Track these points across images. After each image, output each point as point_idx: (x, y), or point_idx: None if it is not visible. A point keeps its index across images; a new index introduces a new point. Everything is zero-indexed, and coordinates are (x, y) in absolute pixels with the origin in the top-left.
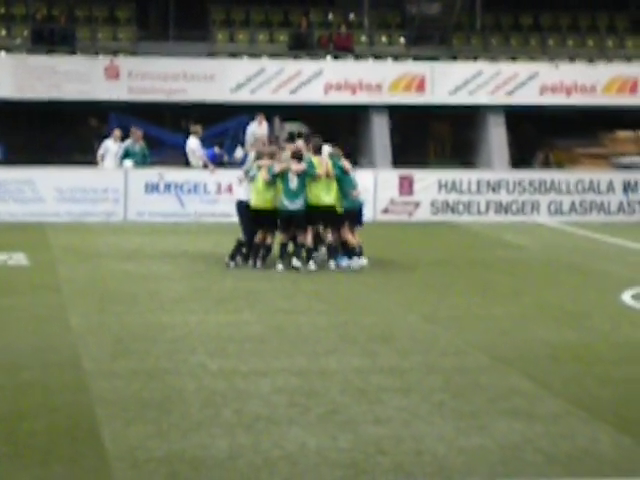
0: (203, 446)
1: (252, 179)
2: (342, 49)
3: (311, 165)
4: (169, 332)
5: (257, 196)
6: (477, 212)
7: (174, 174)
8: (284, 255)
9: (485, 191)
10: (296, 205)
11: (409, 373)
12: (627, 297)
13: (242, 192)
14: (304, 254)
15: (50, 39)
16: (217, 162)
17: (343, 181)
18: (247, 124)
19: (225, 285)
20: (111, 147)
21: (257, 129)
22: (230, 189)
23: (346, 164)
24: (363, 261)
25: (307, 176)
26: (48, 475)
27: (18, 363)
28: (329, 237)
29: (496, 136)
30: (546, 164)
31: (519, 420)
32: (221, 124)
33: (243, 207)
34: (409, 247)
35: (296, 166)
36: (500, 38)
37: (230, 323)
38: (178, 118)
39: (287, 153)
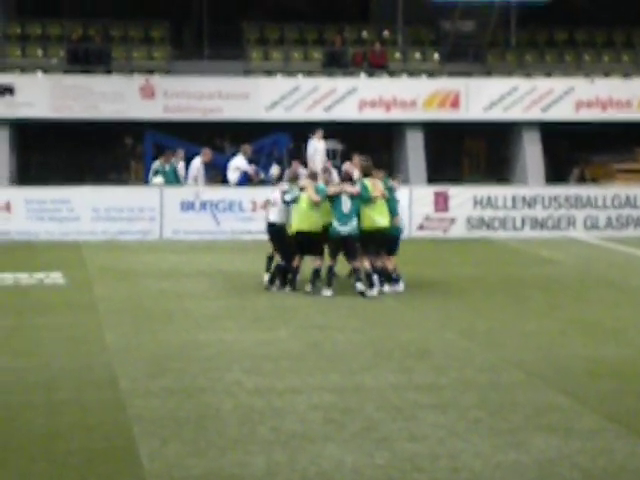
0: (240, 464)
1: (293, 201)
2: (376, 66)
3: (365, 188)
4: (205, 350)
5: (301, 218)
6: (513, 228)
7: (210, 192)
8: (316, 279)
9: (521, 207)
10: (349, 228)
11: (445, 390)
12: None
13: (274, 214)
14: (364, 278)
15: (86, 59)
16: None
17: (390, 204)
18: (283, 141)
19: (260, 303)
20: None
21: (318, 144)
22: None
23: (394, 183)
24: (401, 286)
25: (361, 200)
26: None
27: (54, 382)
28: (380, 262)
29: (531, 152)
30: (582, 180)
31: (556, 436)
32: (257, 142)
33: (276, 230)
34: (444, 264)
35: (351, 188)
36: (535, 54)
37: (265, 341)
38: (213, 136)
39: (334, 175)
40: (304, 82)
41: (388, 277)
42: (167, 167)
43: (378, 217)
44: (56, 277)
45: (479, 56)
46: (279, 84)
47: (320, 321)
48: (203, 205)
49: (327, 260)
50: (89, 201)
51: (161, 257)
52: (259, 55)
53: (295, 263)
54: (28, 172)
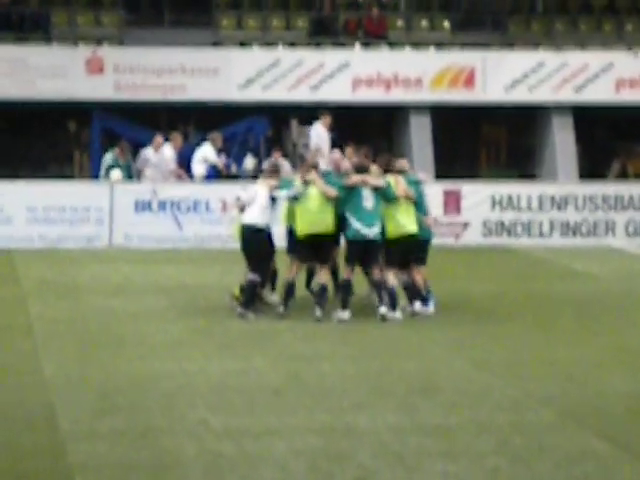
0: None
1: (296, 198)
2: (374, 36)
3: (389, 185)
4: (163, 383)
5: (311, 218)
6: (539, 234)
7: (170, 190)
8: (323, 298)
9: (549, 209)
10: (374, 231)
11: (456, 432)
12: None
13: (253, 215)
14: (386, 296)
15: (19, 25)
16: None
17: (419, 202)
18: (260, 128)
19: (231, 325)
20: (152, 158)
21: (323, 132)
22: None
23: (422, 175)
24: (431, 307)
25: (384, 198)
26: None
27: None
28: (407, 276)
29: (562, 142)
30: (623, 175)
31: None
32: (228, 128)
33: (255, 235)
34: (455, 277)
35: (374, 180)
36: (566, 22)
37: (237, 371)
38: (176, 121)
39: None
40: (286, 55)
41: (418, 294)
42: (121, 161)
43: (405, 220)
44: None
45: (499, 24)
46: (255, 58)
47: (304, 349)
48: (162, 205)
49: (324, 273)
50: (23, 199)
51: (111, 268)
52: (231, 22)
53: (292, 274)
54: None
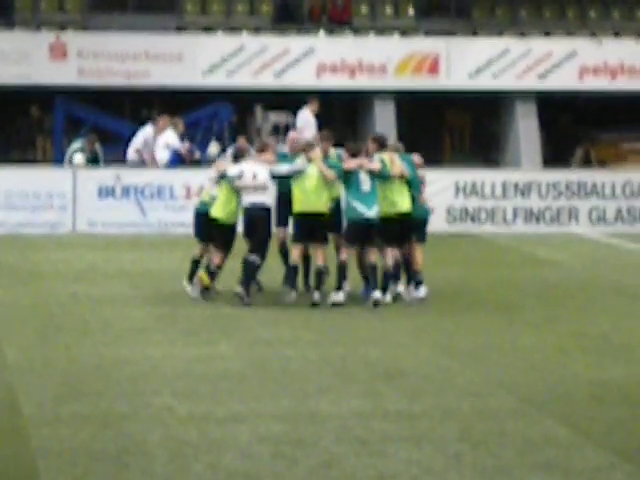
0: None
1: (300, 172)
2: (338, 22)
3: (384, 164)
4: (127, 369)
5: (307, 197)
6: (503, 221)
7: (134, 175)
8: (322, 281)
9: (512, 196)
10: (374, 212)
11: (420, 419)
12: None
13: (259, 193)
14: (380, 279)
15: None
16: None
17: (413, 182)
18: (224, 113)
19: (196, 311)
20: (158, 141)
21: (310, 117)
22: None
23: (416, 158)
24: (422, 292)
25: (379, 178)
26: None
27: None
28: (391, 256)
29: (526, 129)
30: (587, 162)
31: (554, 475)
32: (192, 113)
33: (264, 213)
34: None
35: (370, 164)
36: (530, 9)
37: (202, 357)
38: (139, 106)
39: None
40: (250, 41)
41: (413, 276)
42: (87, 153)
43: (399, 199)
44: None
45: (463, 11)
46: (220, 43)
47: (269, 334)
48: (126, 191)
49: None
50: None
51: (74, 254)
52: (195, 7)
53: (296, 256)
54: None
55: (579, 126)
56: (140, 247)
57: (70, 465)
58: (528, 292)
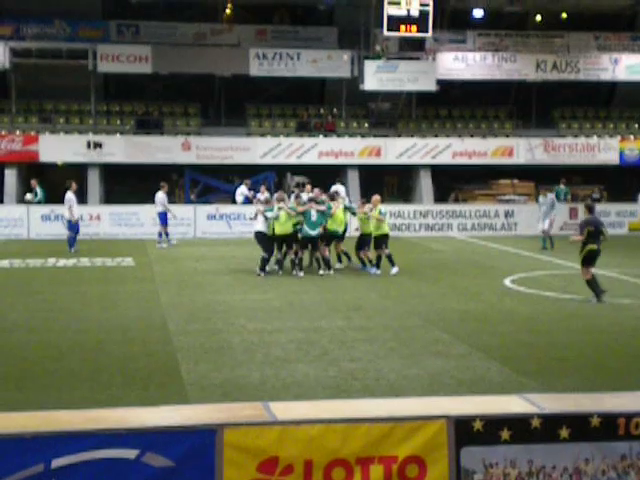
0: (244, 376)
1: (276, 217)
2: (329, 131)
3: (329, 207)
4: (222, 306)
5: (281, 226)
6: (414, 230)
7: (226, 208)
8: (297, 263)
9: (419, 217)
10: (315, 232)
11: (372, 330)
12: (507, 282)
13: (259, 225)
14: (323, 263)
15: (147, 125)
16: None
17: (350, 211)
18: (271, 177)
19: (257, 278)
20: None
21: (340, 187)
22: None
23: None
24: (376, 271)
25: (324, 214)
26: (147, 395)
27: (127, 325)
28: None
29: (425, 184)
30: (456, 200)
31: (440, 358)
32: (254, 177)
33: (261, 235)
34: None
35: (318, 207)
36: (427, 123)
37: (260, 300)
38: (227, 174)
39: (304, 197)
40: (284, 140)
41: (348, 258)
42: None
43: (334, 225)
44: (129, 261)
45: (393, 124)
46: (268, 142)
47: (294, 288)
48: (221, 216)
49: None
50: (150, 214)
51: (195, 249)
52: (256, 123)
53: (299, 254)
54: (110, 196)
55: (452, 182)
56: (228, 245)
57: (194, 355)
58: (427, 265)
